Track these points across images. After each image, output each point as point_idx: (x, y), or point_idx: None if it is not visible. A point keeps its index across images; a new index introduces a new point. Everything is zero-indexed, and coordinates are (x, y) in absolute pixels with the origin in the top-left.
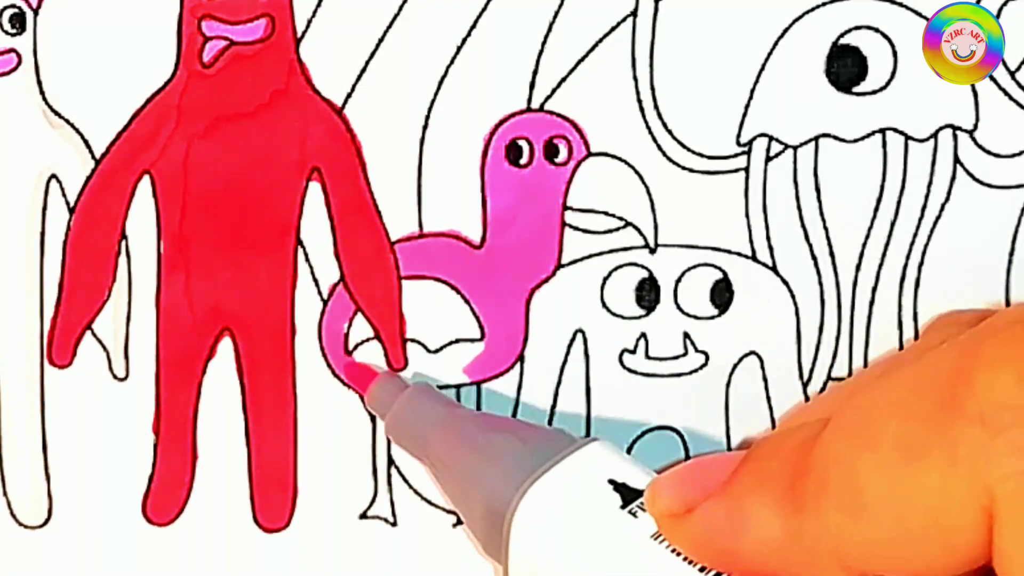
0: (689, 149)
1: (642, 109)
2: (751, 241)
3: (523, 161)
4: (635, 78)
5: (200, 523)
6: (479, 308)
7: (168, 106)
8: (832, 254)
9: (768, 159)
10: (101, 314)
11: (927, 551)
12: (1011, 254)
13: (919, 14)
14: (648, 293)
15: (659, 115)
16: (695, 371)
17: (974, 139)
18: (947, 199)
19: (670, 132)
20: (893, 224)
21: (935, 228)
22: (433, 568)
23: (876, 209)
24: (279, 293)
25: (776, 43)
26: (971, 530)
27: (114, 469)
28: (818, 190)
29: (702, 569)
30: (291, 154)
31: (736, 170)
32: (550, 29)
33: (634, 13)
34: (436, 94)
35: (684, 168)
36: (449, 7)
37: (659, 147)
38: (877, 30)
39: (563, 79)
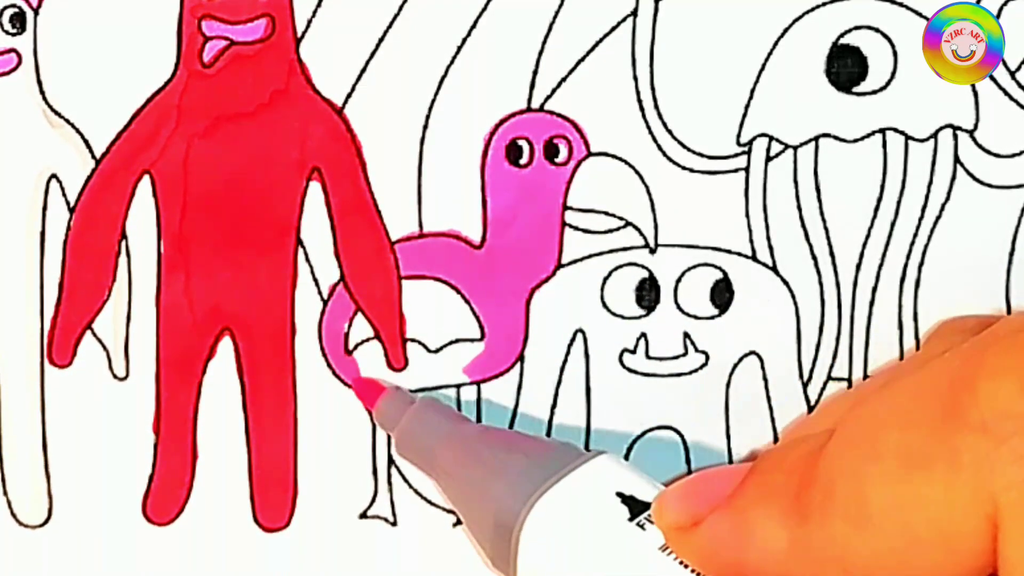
0: (689, 149)
1: (642, 109)
2: (751, 241)
3: (523, 161)
4: (635, 78)
5: (200, 523)
6: (479, 308)
7: (168, 106)
8: (832, 254)
9: (768, 159)
10: (101, 314)
11: (932, 561)
12: (1011, 254)
13: (919, 14)
14: (648, 293)
15: (659, 115)
16: (695, 371)
17: (974, 139)
18: (947, 199)
19: (670, 132)
20: (893, 224)
21: (935, 228)
22: (433, 568)
23: (876, 209)
24: (279, 293)
25: (776, 43)
26: (975, 539)
27: (114, 469)
28: (818, 190)
29: None
30: (291, 154)
31: (736, 170)
32: (550, 29)
33: (634, 13)
34: (436, 94)
35: (684, 168)
36: (449, 7)
37: (659, 147)
38: (877, 30)
39: (563, 79)
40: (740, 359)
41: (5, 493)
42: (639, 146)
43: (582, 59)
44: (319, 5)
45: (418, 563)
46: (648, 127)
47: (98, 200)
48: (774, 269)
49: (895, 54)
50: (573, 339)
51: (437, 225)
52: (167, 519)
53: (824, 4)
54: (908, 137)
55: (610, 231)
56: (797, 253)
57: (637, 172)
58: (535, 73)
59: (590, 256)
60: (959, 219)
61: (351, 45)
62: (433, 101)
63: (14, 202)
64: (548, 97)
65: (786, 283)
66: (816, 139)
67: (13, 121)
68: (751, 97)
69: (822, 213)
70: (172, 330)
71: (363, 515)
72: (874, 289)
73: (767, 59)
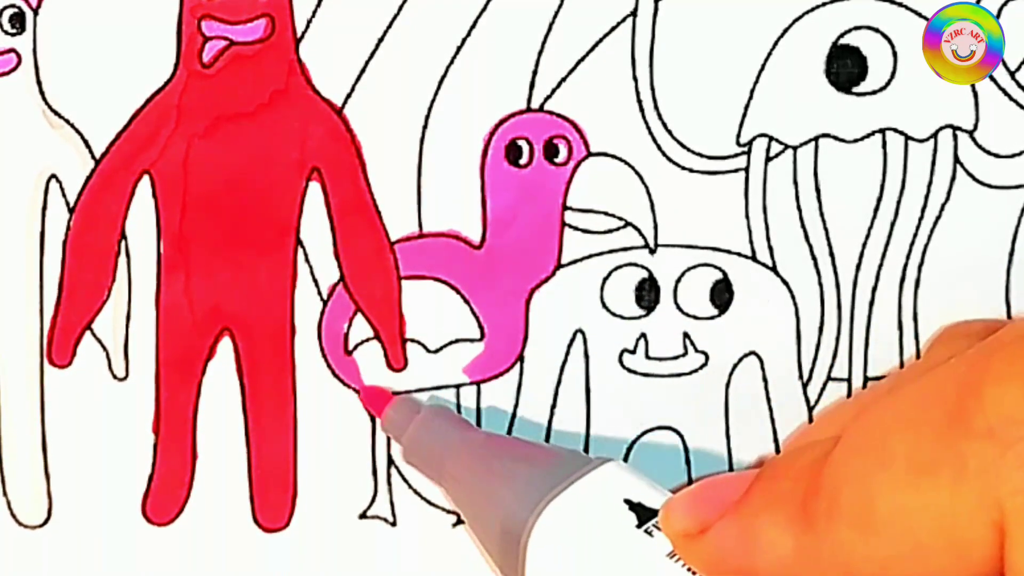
0: (689, 149)
1: (642, 109)
2: (751, 241)
3: (523, 161)
4: (635, 78)
5: (200, 523)
6: (479, 308)
7: (168, 106)
8: (832, 254)
9: (768, 159)
10: (101, 314)
11: (939, 567)
12: (1011, 254)
13: (919, 14)
14: (648, 293)
15: (659, 115)
16: (695, 371)
17: (974, 139)
18: (947, 199)
19: (670, 132)
20: (893, 224)
21: (935, 228)
22: (433, 568)
23: (876, 209)
24: (279, 293)
25: (776, 43)
26: (982, 545)
27: (114, 469)
28: (818, 190)
29: None
30: (291, 154)
31: (736, 170)
32: (550, 29)
33: (634, 13)
34: (436, 94)
35: (684, 168)
36: (449, 7)
37: (659, 147)
38: (877, 30)
39: (563, 79)
40: (740, 359)
41: (5, 493)
42: (639, 146)
43: (582, 59)
44: (319, 5)
45: (418, 563)
46: (648, 127)
47: (98, 200)
48: (774, 269)
49: (895, 54)
50: (573, 339)
51: (437, 225)
52: (167, 519)
53: (824, 4)
54: (908, 137)
55: (610, 231)
56: (797, 253)
57: (637, 172)
58: (535, 73)
59: (590, 256)
60: (959, 219)
61: (351, 45)
62: (433, 101)
63: (14, 202)
64: (548, 97)
65: (786, 283)
66: (816, 139)
67: (13, 121)
68: (751, 97)
69: (822, 213)
70: (172, 330)
71: (363, 515)
72: (874, 289)
73: (767, 59)
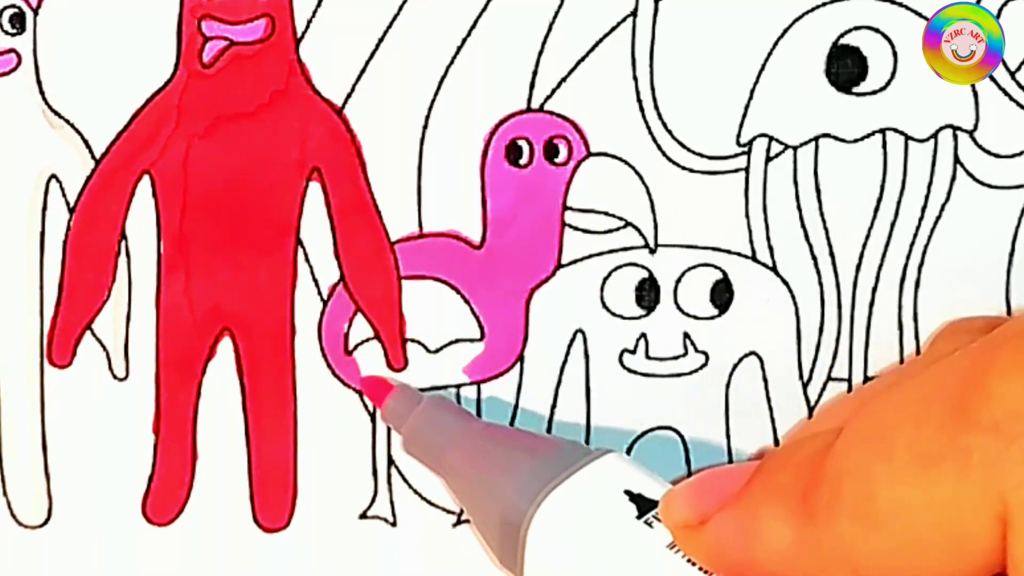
0: (689, 149)
1: (642, 109)
2: (751, 241)
3: (523, 161)
4: (635, 78)
5: (200, 523)
6: (479, 308)
7: (168, 106)
8: (832, 254)
9: (768, 159)
10: (101, 314)
11: (941, 560)
12: (1011, 254)
13: (919, 14)
14: (648, 293)
15: (659, 115)
16: (695, 371)
17: (974, 139)
18: (947, 199)
19: (670, 132)
20: (893, 224)
21: (935, 228)
22: (433, 568)
23: (876, 209)
24: (279, 293)
25: (776, 43)
26: (985, 538)
27: (114, 469)
28: (818, 190)
29: None
30: (291, 154)
31: (736, 170)
32: (550, 29)
33: (634, 13)
34: (436, 94)
35: (684, 168)
36: (449, 7)
37: (659, 147)
38: (877, 30)
39: (563, 79)
40: (740, 359)
41: (5, 493)
42: (639, 146)
43: (582, 59)
44: (319, 5)
45: (418, 563)
46: (648, 127)
47: (98, 200)
48: (774, 269)
49: (895, 54)
50: (573, 339)
51: (437, 225)
52: (167, 519)
53: (824, 4)
54: (908, 137)
55: (610, 231)
56: (797, 253)
57: (637, 172)
58: (535, 73)
59: (590, 256)
60: (959, 219)
61: (351, 45)
62: (433, 101)
63: (14, 202)
64: (548, 97)
65: (786, 283)
66: (816, 139)
67: (13, 121)
68: (751, 97)
69: (822, 213)
70: (172, 330)
71: (363, 515)
72: (874, 289)
73: (767, 59)
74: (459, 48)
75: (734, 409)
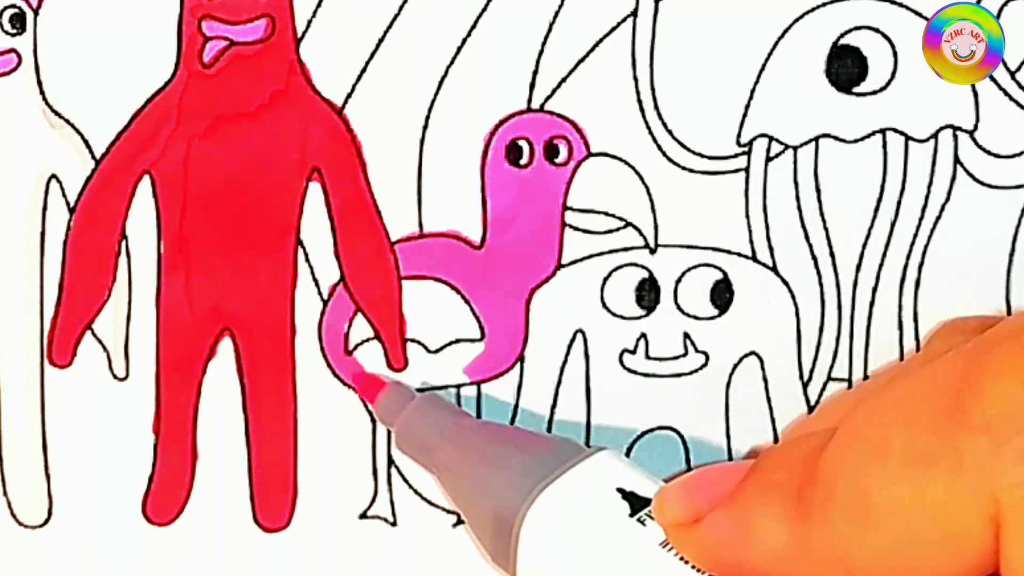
0: (689, 149)
1: (642, 109)
2: (751, 241)
3: (523, 161)
4: (635, 78)
5: (200, 523)
6: (479, 308)
7: (168, 106)
8: (832, 254)
9: (768, 159)
10: (101, 314)
11: (934, 560)
12: (1011, 255)
13: (919, 14)
14: (648, 293)
15: (659, 115)
16: (695, 371)
17: (974, 139)
18: (947, 199)
19: (670, 132)
20: (893, 224)
21: (935, 228)
22: (433, 568)
23: (876, 209)
24: (279, 293)
25: (776, 43)
26: (978, 539)
27: (114, 469)
28: (818, 190)
29: None
30: (291, 154)
31: (736, 170)
32: (550, 29)
33: (634, 13)
34: (436, 94)
35: (684, 168)
36: (449, 7)
37: (659, 147)
38: (877, 30)
39: (563, 79)
40: (740, 359)
41: (5, 493)
42: (639, 146)
43: (582, 59)
44: (319, 5)
45: (418, 563)
46: (648, 127)
47: (98, 200)
48: (774, 269)
49: (895, 54)
50: (573, 339)
51: (437, 225)
52: (167, 519)
53: (824, 4)
54: (908, 137)
55: (610, 231)
56: (797, 253)
57: (637, 172)
58: (535, 73)
59: (590, 256)
60: (959, 219)
61: (351, 45)
62: (433, 101)
63: (14, 202)
64: (548, 97)
65: (786, 283)
66: (816, 139)
67: (13, 121)
68: (751, 97)
69: (822, 213)
70: (172, 330)
71: (363, 515)
72: (874, 289)
73: (767, 59)
74: (459, 48)
75: (734, 409)
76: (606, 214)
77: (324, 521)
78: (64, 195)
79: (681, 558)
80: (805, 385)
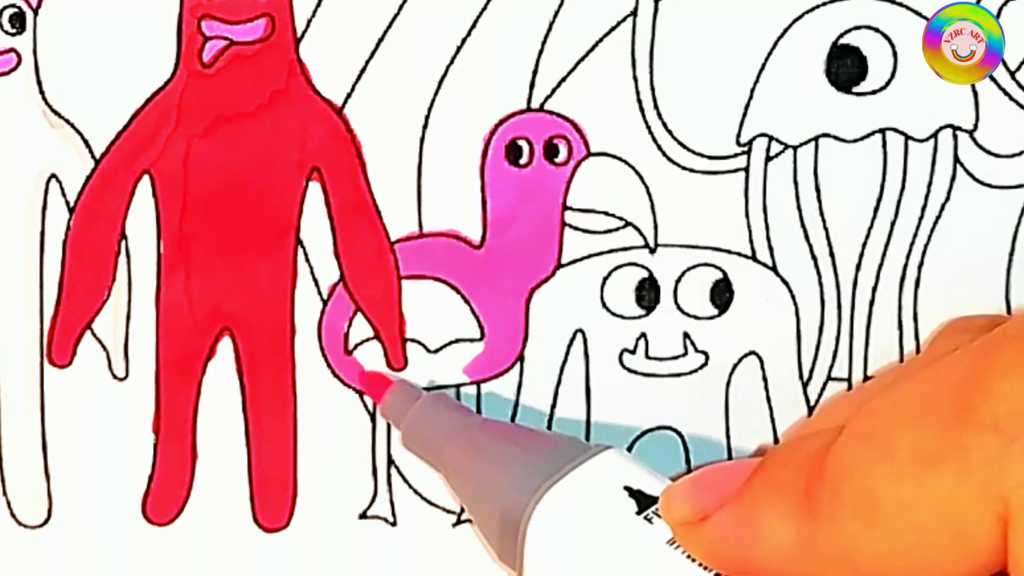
0: (689, 149)
1: (642, 109)
2: (751, 241)
3: (523, 161)
4: (635, 78)
5: (200, 523)
6: (479, 308)
7: (168, 106)
8: (832, 254)
9: (768, 159)
10: (101, 314)
11: (942, 559)
12: (1011, 254)
13: (919, 14)
14: (648, 293)
15: (659, 115)
16: (695, 371)
17: (974, 139)
18: (947, 199)
19: (670, 132)
20: (893, 224)
21: (935, 228)
22: (433, 568)
23: (876, 209)
24: (279, 293)
25: (776, 43)
26: (986, 537)
27: (114, 469)
28: (818, 190)
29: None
30: (291, 154)
31: (736, 170)
32: (550, 29)
33: (634, 13)
34: (436, 94)
35: (684, 168)
36: (449, 7)
37: (659, 147)
38: (877, 30)
39: (563, 79)
40: (740, 359)
41: (5, 493)
42: (639, 146)
43: (582, 59)
44: (319, 5)
45: (418, 563)
46: (648, 127)
47: (98, 200)
48: (774, 269)
49: (895, 54)
50: (573, 339)
51: (437, 225)
52: (167, 519)
53: (824, 4)
54: (908, 137)
55: (610, 231)
56: (797, 253)
57: (637, 172)
58: (535, 73)
59: (590, 256)
60: (959, 219)
61: (351, 45)
62: (433, 101)
63: (14, 202)
64: (548, 97)
65: (786, 283)
66: (816, 139)
67: (13, 121)
68: (751, 97)
69: (822, 213)
70: (172, 330)
71: (363, 515)
72: (874, 289)
73: (767, 59)
74: (459, 48)
75: (734, 409)
76: (606, 214)
77: (324, 521)
78: (64, 195)
79: (688, 556)
80: (805, 385)
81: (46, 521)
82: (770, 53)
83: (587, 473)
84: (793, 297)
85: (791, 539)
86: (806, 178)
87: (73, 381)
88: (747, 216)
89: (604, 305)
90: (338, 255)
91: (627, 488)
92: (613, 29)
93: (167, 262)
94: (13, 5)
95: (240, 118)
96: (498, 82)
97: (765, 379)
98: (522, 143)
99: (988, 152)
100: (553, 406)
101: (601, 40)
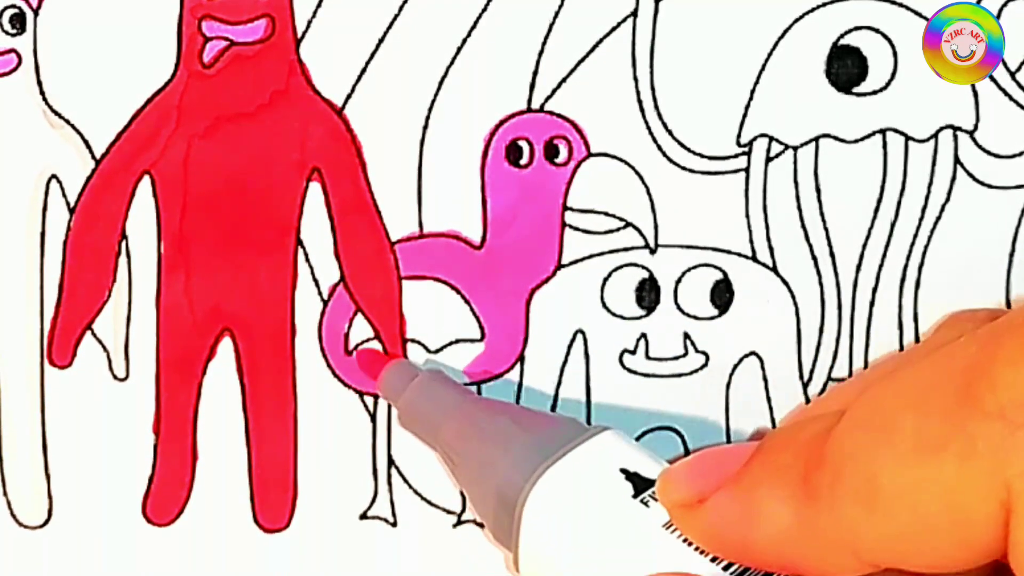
0: (689, 149)
1: (642, 109)
2: (751, 241)
3: (523, 161)
4: (635, 78)
5: (200, 523)
6: (479, 308)
7: (168, 106)
8: (832, 254)
9: (768, 159)
10: (101, 314)
11: (942, 544)
12: (1011, 254)
13: (919, 14)
14: (648, 293)
15: (659, 115)
16: (695, 371)
17: (974, 139)
18: (947, 199)
19: (670, 132)
20: (893, 224)
21: (935, 229)
22: (433, 568)
23: (876, 209)
24: (279, 293)
25: (776, 43)
26: (987, 524)
27: (114, 469)
28: (818, 190)
29: (714, 559)
30: (291, 154)
31: (736, 170)
32: (550, 29)
33: (634, 13)
34: (436, 94)
35: (684, 168)
36: (449, 7)
37: (659, 147)
38: (877, 30)
39: (563, 79)
40: (740, 360)
41: (5, 493)
42: (639, 146)
43: (582, 59)
44: (319, 5)
45: (418, 564)
46: (648, 127)
47: (98, 200)
48: (774, 269)
49: (895, 54)
50: (573, 339)
51: (437, 225)
52: (167, 520)
53: (824, 4)
54: (908, 137)
55: (610, 231)
56: (797, 253)
57: (637, 172)
58: (535, 73)
59: (590, 256)
60: (959, 219)
61: (351, 45)
62: (433, 101)
63: (14, 202)
64: (548, 97)
65: (786, 283)
66: (816, 139)
67: (13, 121)
68: (751, 97)
69: (822, 213)
70: (172, 330)
71: (363, 516)
72: (874, 289)
73: (767, 59)
74: (459, 48)
75: (734, 409)
76: (606, 214)
77: (324, 521)
78: (64, 195)
79: (685, 539)
80: (805, 385)
81: (46, 522)
82: (770, 53)
83: (584, 455)
84: (793, 297)
85: (790, 523)
86: (806, 179)
87: (73, 381)
88: (747, 216)
89: (604, 305)
90: (338, 255)
91: (624, 470)
92: (613, 30)
93: (167, 262)
94: (13, 5)
95: (240, 118)
96: (498, 82)
97: (765, 379)
98: (522, 143)
99: (988, 152)
100: (553, 406)
101: (601, 40)
